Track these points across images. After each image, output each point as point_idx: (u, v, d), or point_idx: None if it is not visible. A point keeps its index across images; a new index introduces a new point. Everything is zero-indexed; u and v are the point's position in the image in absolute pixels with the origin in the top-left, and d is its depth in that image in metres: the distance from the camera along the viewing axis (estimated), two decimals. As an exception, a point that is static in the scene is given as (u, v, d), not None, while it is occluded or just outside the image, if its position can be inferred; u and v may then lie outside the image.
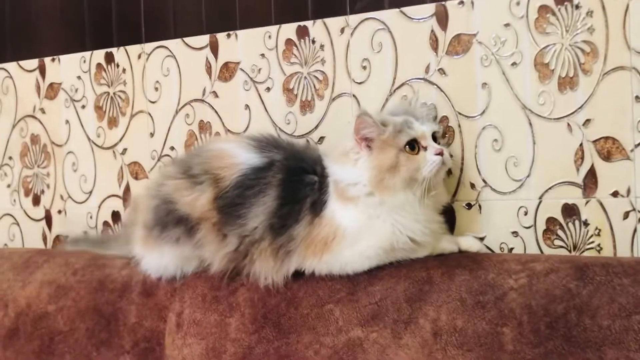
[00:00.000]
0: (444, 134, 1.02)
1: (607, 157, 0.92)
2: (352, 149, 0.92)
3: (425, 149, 0.92)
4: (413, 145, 0.91)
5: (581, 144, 0.93)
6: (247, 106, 1.19)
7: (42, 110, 1.40)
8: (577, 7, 0.93)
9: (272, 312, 0.93)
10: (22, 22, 1.43)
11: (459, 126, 1.02)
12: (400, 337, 0.84)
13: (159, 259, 1.01)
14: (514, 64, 0.98)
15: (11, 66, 1.44)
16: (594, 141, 0.93)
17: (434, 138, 0.94)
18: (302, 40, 1.14)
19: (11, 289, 1.19)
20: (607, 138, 0.92)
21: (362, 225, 0.90)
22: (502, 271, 0.85)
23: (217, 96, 1.22)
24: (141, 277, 1.06)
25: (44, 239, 1.40)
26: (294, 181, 0.94)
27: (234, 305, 0.95)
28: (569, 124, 0.95)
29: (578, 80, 0.93)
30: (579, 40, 0.93)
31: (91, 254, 1.19)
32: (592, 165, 0.93)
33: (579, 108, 0.94)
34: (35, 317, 1.14)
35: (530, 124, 0.97)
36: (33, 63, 1.41)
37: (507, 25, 0.98)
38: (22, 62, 1.42)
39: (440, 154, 0.91)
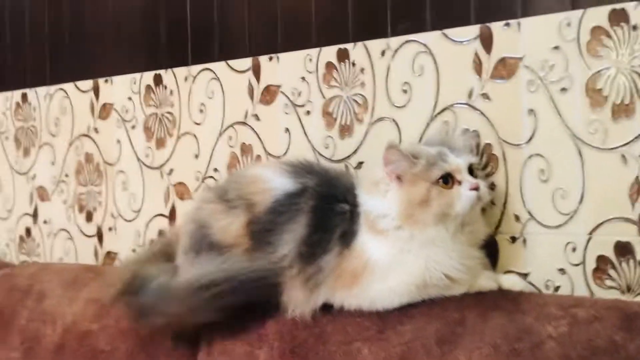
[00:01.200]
0: (486, 164, 0.97)
1: (666, 191, 0.85)
2: (382, 180, 0.89)
3: (459, 183, 0.87)
4: (447, 179, 0.87)
5: (637, 177, 0.86)
6: (287, 129, 1.18)
7: (96, 130, 1.45)
8: (634, 28, 0.86)
9: (300, 346, 0.91)
10: (78, 44, 1.49)
11: (503, 154, 0.97)
12: (430, 382, 0.80)
13: None
14: (563, 89, 0.92)
15: (69, 87, 1.49)
16: (652, 174, 0.86)
17: (471, 170, 0.90)
18: (342, 63, 1.11)
19: (60, 305, 1.23)
20: (666, 171, 0.85)
21: (392, 259, 0.87)
22: (542, 316, 0.79)
23: (258, 119, 1.21)
24: (178, 300, 1.07)
25: (96, 254, 1.45)
26: (326, 209, 0.92)
27: (264, 337, 0.94)
28: (623, 155, 0.87)
29: (634, 108, 0.86)
30: (636, 64, 0.86)
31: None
32: (649, 201, 0.86)
33: (636, 138, 0.86)
34: (80, 334, 1.17)
35: (580, 154, 0.91)
36: (88, 84, 1.46)
37: (556, 48, 0.92)
38: (78, 83, 1.48)
39: (476, 188, 0.87)
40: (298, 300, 0.91)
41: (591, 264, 0.90)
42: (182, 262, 1.02)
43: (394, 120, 1.06)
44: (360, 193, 0.92)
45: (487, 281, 0.90)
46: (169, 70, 1.33)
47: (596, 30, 0.89)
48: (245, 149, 1.23)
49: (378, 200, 0.88)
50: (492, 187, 0.96)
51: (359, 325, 0.88)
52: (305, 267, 0.90)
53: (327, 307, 0.92)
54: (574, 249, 0.91)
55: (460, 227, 0.86)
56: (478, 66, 0.98)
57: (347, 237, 0.90)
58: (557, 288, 0.93)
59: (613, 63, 0.88)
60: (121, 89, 1.40)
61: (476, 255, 0.90)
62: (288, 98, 1.18)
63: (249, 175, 1.01)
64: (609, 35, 0.88)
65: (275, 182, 0.96)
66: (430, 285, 0.87)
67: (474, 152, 0.96)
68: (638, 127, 0.86)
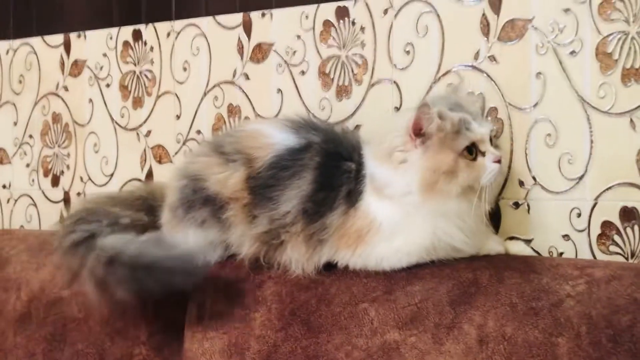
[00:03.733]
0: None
1: (673, 157, 0.84)
2: (399, 147, 0.83)
3: (483, 154, 0.83)
4: (472, 149, 0.82)
5: (645, 142, 0.86)
6: (279, 90, 1.12)
7: (65, 88, 1.35)
8: (646, -9, 0.85)
9: (301, 308, 0.86)
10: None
11: (509, 118, 0.94)
12: (442, 343, 0.77)
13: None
14: (572, 52, 0.90)
15: (36, 41, 1.39)
16: (660, 139, 0.85)
17: (490, 139, 0.85)
18: (341, 21, 1.07)
19: (25, 272, 1.14)
20: (674, 136, 0.84)
21: (399, 221, 0.83)
22: (558, 276, 0.77)
23: (248, 78, 1.15)
24: (161, 264, 1.00)
25: (62, 221, 1.35)
26: (332, 166, 0.87)
27: (260, 299, 0.89)
28: (632, 120, 0.87)
29: (645, 72, 0.86)
30: (648, 28, 0.85)
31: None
32: (656, 166, 0.85)
33: (645, 102, 0.86)
34: (48, 302, 1.09)
35: (589, 118, 0.89)
36: (58, 38, 1.36)
37: (566, 10, 0.90)
38: (47, 37, 1.37)
39: (499, 161, 0.83)
40: (300, 257, 0.86)
41: (596, 230, 0.89)
42: (168, 220, 0.95)
43: (394, 82, 1.03)
44: (367, 156, 0.87)
45: (496, 245, 0.88)
46: (150, 25, 1.25)
47: (608, -6, 0.88)
48: (233, 109, 1.17)
49: (388, 169, 0.83)
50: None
51: (365, 285, 0.84)
52: (309, 224, 0.86)
53: (331, 267, 0.88)
54: (578, 215, 0.90)
55: (484, 201, 0.82)
56: (485, 27, 0.96)
57: (353, 196, 0.85)
58: (560, 254, 0.91)
59: (624, 26, 0.87)
60: (95, 44, 1.31)
61: (484, 228, 0.87)
62: (281, 57, 1.12)
63: (248, 130, 0.96)
64: (621, -1, 0.87)
65: (276, 137, 0.90)
66: (438, 248, 0.84)
67: (485, 115, 0.93)
68: (647, 91, 0.86)
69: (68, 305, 1.07)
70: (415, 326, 0.79)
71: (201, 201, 0.91)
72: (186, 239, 0.94)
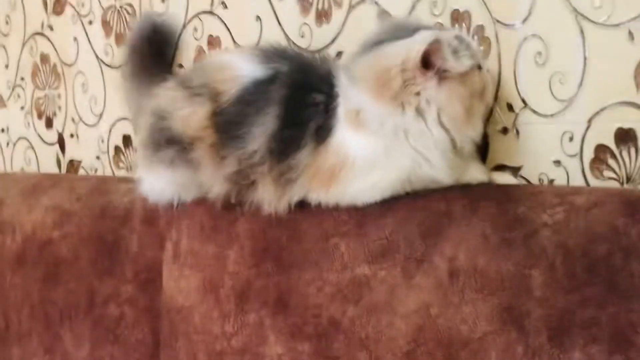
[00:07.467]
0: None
1: (675, 71, 0.77)
2: (409, 83, 0.75)
3: None
4: None
5: (644, 56, 0.78)
6: (258, 17, 1.06)
7: (51, 27, 1.32)
8: None
9: (273, 245, 0.84)
10: None
11: (496, 36, 0.87)
12: (412, 277, 0.74)
13: (155, 182, 0.93)
14: (565, -42, 0.81)
15: (18, -21, 1.35)
16: (661, 51, 0.77)
17: None
18: (318, -64, 0.99)
19: (19, 214, 1.16)
20: (677, 48, 0.76)
21: (376, 155, 0.78)
22: (536, 204, 0.72)
23: (226, 7, 1.10)
24: (143, 203, 0.99)
25: (58, 163, 1.35)
26: (298, 99, 0.82)
27: (234, 236, 0.87)
28: (630, 32, 0.78)
29: (645, -25, 0.77)
30: None
31: (97, 178, 1.13)
32: (657, 81, 0.78)
33: (645, 10, 0.77)
34: (40, 243, 1.11)
35: (582, 32, 0.81)
36: (39, -25, 1.32)
37: None
38: (28, -26, 1.34)
39: None
40: (271, 197, 0.83)
41: (589, 154, 0.83)
42: (141, 158, 0.93)
43: (375, 2, 0.96)
44: (350, 87, 0.79)
45: (477, 173, 0.83)
46: (127, -46, 1.20)
47: None
48: (213, 41, 1.12)
49: (393, 112, 0.76)
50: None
51: (336, 220, 0.81)
52: (276, 164, 0.82)
53: (303, 203, 0.85)
54: (570, 139, 0.84)
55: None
56: (470, -64, 0.87)
57: (323, 132, 0.80)
58: (551, 181, 0.86)
59: None
60: (75, -21, 1.27)
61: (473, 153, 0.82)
62: (259, -19, 1.06)
63: (216, 62, 0.91)
64: None
65: (244, 69, 0.85)
66: (415, 181, 0.79)
67: None
68: (648, -2, 0.77)
69: (58, 247, 1.08)
70: (385, 260, 0.76)
71: (166, 140, 0.89)
72: (158, 178, 0.92)
